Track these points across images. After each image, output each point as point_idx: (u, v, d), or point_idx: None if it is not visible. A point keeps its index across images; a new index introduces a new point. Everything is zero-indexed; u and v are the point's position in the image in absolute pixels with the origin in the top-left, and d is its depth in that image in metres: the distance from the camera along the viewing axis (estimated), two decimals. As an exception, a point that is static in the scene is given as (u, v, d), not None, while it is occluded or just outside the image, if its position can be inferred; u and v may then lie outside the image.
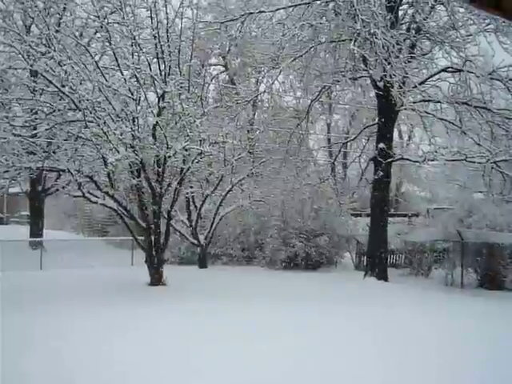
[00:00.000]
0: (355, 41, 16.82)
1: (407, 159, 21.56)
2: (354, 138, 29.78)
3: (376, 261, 19.60)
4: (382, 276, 19.36)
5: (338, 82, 21.73)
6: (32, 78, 18.65)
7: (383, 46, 16.42)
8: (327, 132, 36.38)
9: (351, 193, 27.78)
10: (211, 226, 22.06)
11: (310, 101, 22.65)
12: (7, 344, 9.37)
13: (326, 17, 18.93)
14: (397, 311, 13.70)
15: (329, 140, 34.74)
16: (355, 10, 16.61)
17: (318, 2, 18.94)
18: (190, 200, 22.14)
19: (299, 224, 22.26)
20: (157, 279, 17.20)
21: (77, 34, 16.94)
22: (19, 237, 28.60)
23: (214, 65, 30.80)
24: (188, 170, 17.41)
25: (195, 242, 21.99)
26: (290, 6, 19.63)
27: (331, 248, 22.70)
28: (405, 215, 30.53)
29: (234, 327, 11.37)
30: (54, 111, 16.65)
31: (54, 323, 11.45)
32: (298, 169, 23.62)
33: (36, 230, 27.87)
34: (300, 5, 18.98)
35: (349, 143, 32.55)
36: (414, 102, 18.97)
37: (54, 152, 17.82)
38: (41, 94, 18.93)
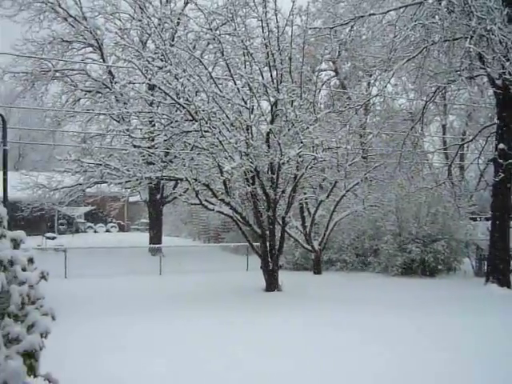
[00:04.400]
0: (471, 38, 16.24)
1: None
2: (472, 139, 28.66)
3: (498, 267, 18.79)
4: (505, 282, 18.53)
5: (454, 81, 21.01)
6: (150, 92, 19.38)
7: (501, 43, 15.76)
8: (442, 134, 35.32)
9: (469, 196, 26.76)
10: (325, 232, 21.98)
11: (424, 102, 22.07)
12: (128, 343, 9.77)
13: (438, 15, 18.40)
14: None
15: (444, 142, 33.71)
16: (469, 6, 16.05)
17: (430, 1, 18.45)
18: (304, 206, 22.16)
19: (415, 229, 21.72)
20: (272, 285, 17.36)
21: (190, 46, 17.40)
22: (139, 243, 29.78)
23: (325, 70, 30.75)
24: (302, 176, 17.47)
25: (309, 247, 21.98)
26: (400, 7, 19.26)
27: (449, 253, 21.96)
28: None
29: (357, 335, 11.28)
30: (171, 122, 17.19)
31: (169, 327, 11.80)
32: (413, 172, 23.07)
33: (155, 237, 28.93)
34: (411, 5, 18.57)
35: (466, 144, 31.46)
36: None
37: (171, 161, 18.39)
38: (158, 107, 19.65)
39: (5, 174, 9.66)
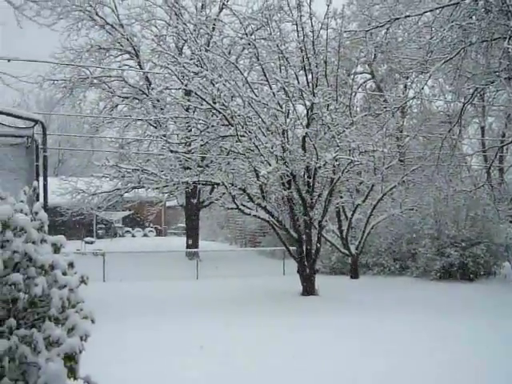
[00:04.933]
0: (509, 38, 15.99)
1: None
2: None
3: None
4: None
5: (492, 82, 20.70)
6: (186, 97, 19.52)
7: (540, 43, 15.50)
8: (481, 135, 34.78)
9: (509, 199, 26.31)
10: (362, 236, 21.83)
11: (462, 104, 21.78)
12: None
13: (475, 16, 18.17)
14: None
15: (483, 144, 33.18)
16: (507, 6, 15.82)
17: (467, 1, 18.21)
18: (341, 210, 22.05)
19: (454, 232, 21.41)
20: (309, 289, 17.31)
21: (226, 52, 17.49)
22: (177, 248, 29.99)
23: (361, 73, 30.57)
24: (338, 179, 17.40)
25: (346, 251, 21.87)
26: (437, 8, 19.03)
27: (489, 257, 21.59)
28: None
29: (396, 339, 11.19)
30: (208, 127, 17.30)
31: (206, 331, 11.87)
32: (451, 175, 22.79)
33: (192, 241, 29.10)
34: (448, 6, 18.34)
35: (505, 146, 30.93)
36: None
37: (207, 166, 18.51)
38: (194, 112, 19.81)
39: (45, 179, 9.83)
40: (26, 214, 4.06)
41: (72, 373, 4.11)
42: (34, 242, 3.96)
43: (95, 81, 28.72)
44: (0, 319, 3.99)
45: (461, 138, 25.48)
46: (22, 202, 4.24)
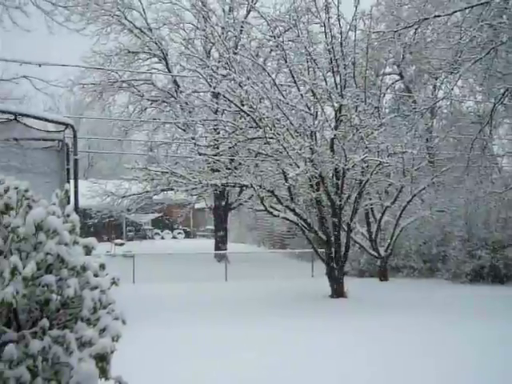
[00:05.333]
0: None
1: None
2: (543, 142, 27.88)
3: None
4: None
5: (524, 82, 20.45)
6: (214, 100, 19.63)
7: None
8: (512, 136, 34.34)
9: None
10: (391, 238, 21.68)
11: (492, 104, 21.53)
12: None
13: (506, 15, 17.97)
14: None
15: (514, 144, 32.77)
16: (539, 4, 15.62)
17: (497, 0, 18.02)
18: (370, 212, 21.92)
19: (485, 234, 21.16)
20: (338, 291, 17.25)
21: (253, 54, 17.54)
22: (205, 250, 30.10)
23: (389, 74, 30.39)
24: (367, 181, 17.31)
25: (375, 254, 21.74)
26: (466, 8, 18.83)
27: (521, 260, 21.29)
28: None
29: (432, 341, 11.09)
30: (236, 130, 17.34)
31: (235, 333, 11.88)
32: (482, 176, 22.53)
33: (220, 243, 29.19)
34: (477, 5, 18.14)
35: (537, 147, 30.52)
36: None
37: (236, 168, 18.55)
38: (222, 114, 19.88)
39: (76, 182, 9.95)
40: (58, 217, 4.11)
41: (103, 373, 4.15)
42: (66, 244, 4.01)
43: (124, 84, 29.01)
44: (33, 320, 4.06)
45: (491, 138, 25.14)
46: (54, 204, 4.30)
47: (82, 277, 4.12)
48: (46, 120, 9.48)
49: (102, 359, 4.06)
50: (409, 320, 13.32)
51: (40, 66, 17.20)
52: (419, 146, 21.21)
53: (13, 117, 8.41)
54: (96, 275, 4.24)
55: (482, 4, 17.87)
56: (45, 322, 3.85)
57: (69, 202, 5.94)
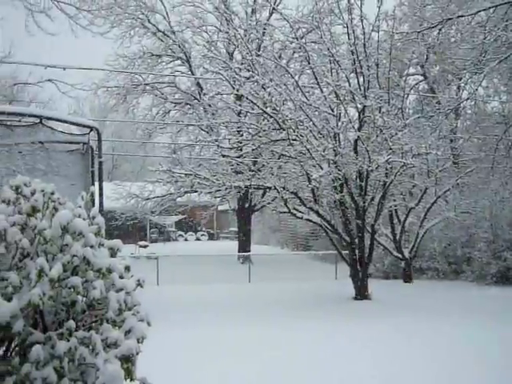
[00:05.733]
0: None
1: None
2: None
3: None
4: None
5: (550, 82, 20.22)
6: (237, 102, 19.66)
7: None
8: (538, 136, 33.93)
9: None
10: (415, 240, 21.52)
11: (517, 105, 21.31)
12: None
13: (532, 14, 17.77)
14: None
15: (541, 145, 32.38)
16: None
17: (523, -1, 17.82)
18: (394, 213, 21.78)
19: (510, 236, 20.91)
20: (362, 293, 17.17)
21: (276, 56, 17.55)
22: (229, 251, 30.16)
23: (413, 74, 30.15)
24: (391, 183, 17.21)
25: (399, 255, 21.59)
26: (490, 7, 18.64)
27: (547, 261, 20.99)
28: None
29: (455, 348, 10.99)
30: (259, 132, 17.35)
31: (259, 335, 11.89)
32: (507, 177, 22.29)
33: (243, 245, 29.20)
34: (502, 4, 17.96)
35: None
36: None
37: (259, 170, 18.56)
38: (245, 116, 19.90)
39: (100, 184, 10.03)
40: (84, 219, 4.16)
41: (129, 374, 4.18)
42: (92, 246, 4.05)
43: (148, 87, 29.18)
44: (59, 321, 4.10)
45: (517, 138, 24.86)
46: (79, 207, 4.34)
47: (108, 279, 4.16)
48: (71, 123, 9.57)
49: (128, 360, 4.09)
50: (432, 322, 13.21)
51: (64, 69, 17.41)
52: (443, 147, 21.03)
53: (38, 120, 8.50)
54: (121, 277, 4.27)
55: (506, 3, 17.69)
56: (71, 324, 3.89)
57: (94, 205, 5.99)
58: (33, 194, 4.03)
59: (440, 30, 20.59)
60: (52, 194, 4.14)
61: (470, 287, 20.25)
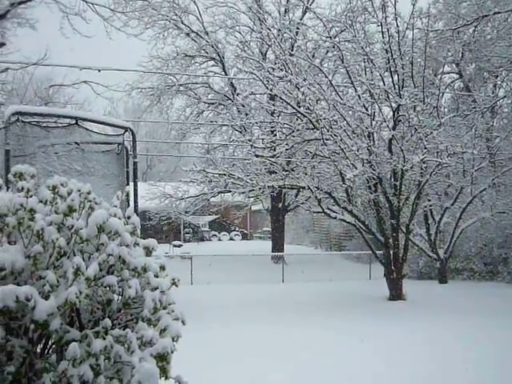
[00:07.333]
0: None
1: None
2: None
3: None
4: None
5: None
6: (271, 102, 19.64)
7: None
8: None
9: None
10: (451, 240, 21.25)
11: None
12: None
13: None
14: None
15: None
16: None
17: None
18: (429, 213, 21.54)
19: (548, 236, 20.57)
20: (396, 294, 17.02)
21: (310, 55, 17.48)
22: (262, 251, 30.16)
23: (448, 73, 29.77)
24: (426, 182, 17.04)
25: (434, 256, 21.34)
26: (528, 4, 18.39)
27: None
28: None
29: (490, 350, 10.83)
30: (293, 131, 17.33)
31: (292, 335, 11.86)
32: (545, 177, 21.87)
33: (277, 245, 29.16)
34: (540, 1, 17.69)
35: None
36: None
37: (293, 170, 18.52)
38: (279, 116, 19.87)
39: (135, 185, 10.10)
40: (119, 219, 4.20)
41: (164, 372, 4.21)
42: (127, 246, 4.09)
43: (181, 88, 29.32)
44: (95, 319, 4.15)
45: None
46: (115, 206, 4.38)
47: (143, 277, 4.20)
48: (106, 124, 9.65)
49: (163, 359, 4.12)
50: (468, 323, 13.05)
51: (99, 71, 17.58)
52: (479, 146, 20.69)
53: (74, 121, 8.58)
54: (156, 276, 4.31)
55: (544, 0, 17.40)
56: (107, 322, 3.93)
57: (129, 204, 6.04)
58: (69, 193, 4.08)
59: (476, 27, 20.36)
60: (88, 193, 4.18)
61: (507, 288, 19.94)
